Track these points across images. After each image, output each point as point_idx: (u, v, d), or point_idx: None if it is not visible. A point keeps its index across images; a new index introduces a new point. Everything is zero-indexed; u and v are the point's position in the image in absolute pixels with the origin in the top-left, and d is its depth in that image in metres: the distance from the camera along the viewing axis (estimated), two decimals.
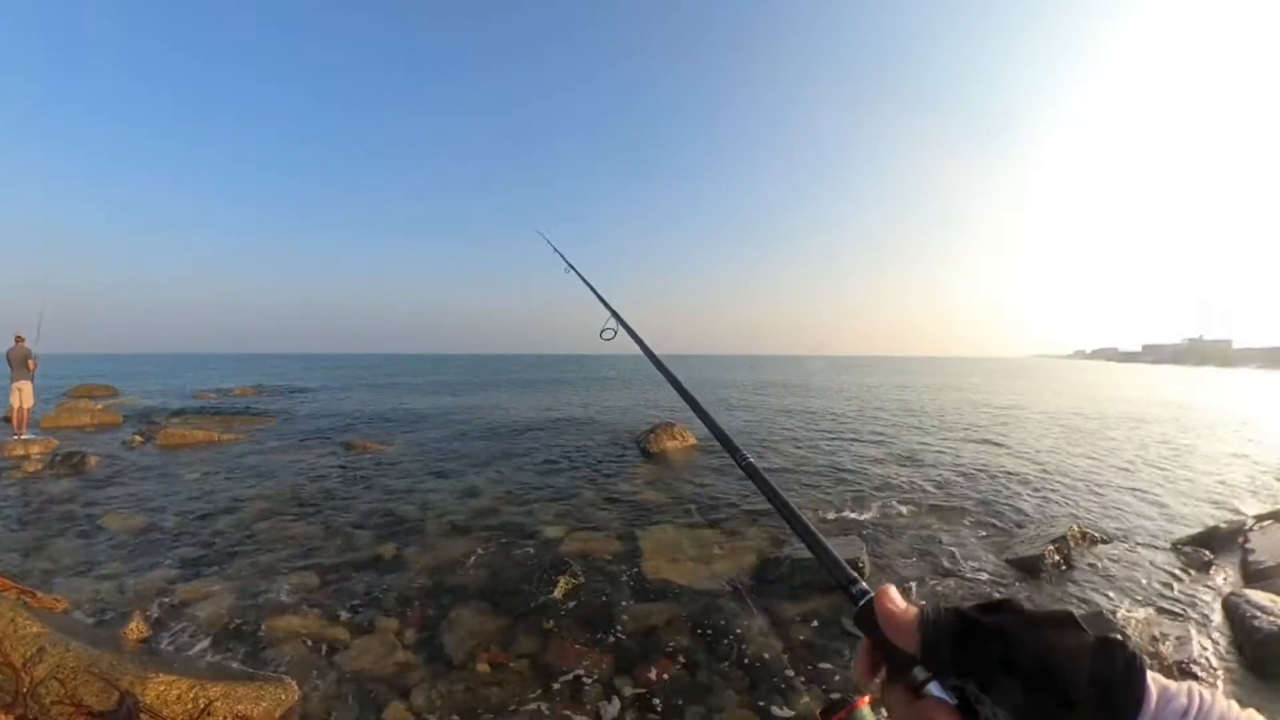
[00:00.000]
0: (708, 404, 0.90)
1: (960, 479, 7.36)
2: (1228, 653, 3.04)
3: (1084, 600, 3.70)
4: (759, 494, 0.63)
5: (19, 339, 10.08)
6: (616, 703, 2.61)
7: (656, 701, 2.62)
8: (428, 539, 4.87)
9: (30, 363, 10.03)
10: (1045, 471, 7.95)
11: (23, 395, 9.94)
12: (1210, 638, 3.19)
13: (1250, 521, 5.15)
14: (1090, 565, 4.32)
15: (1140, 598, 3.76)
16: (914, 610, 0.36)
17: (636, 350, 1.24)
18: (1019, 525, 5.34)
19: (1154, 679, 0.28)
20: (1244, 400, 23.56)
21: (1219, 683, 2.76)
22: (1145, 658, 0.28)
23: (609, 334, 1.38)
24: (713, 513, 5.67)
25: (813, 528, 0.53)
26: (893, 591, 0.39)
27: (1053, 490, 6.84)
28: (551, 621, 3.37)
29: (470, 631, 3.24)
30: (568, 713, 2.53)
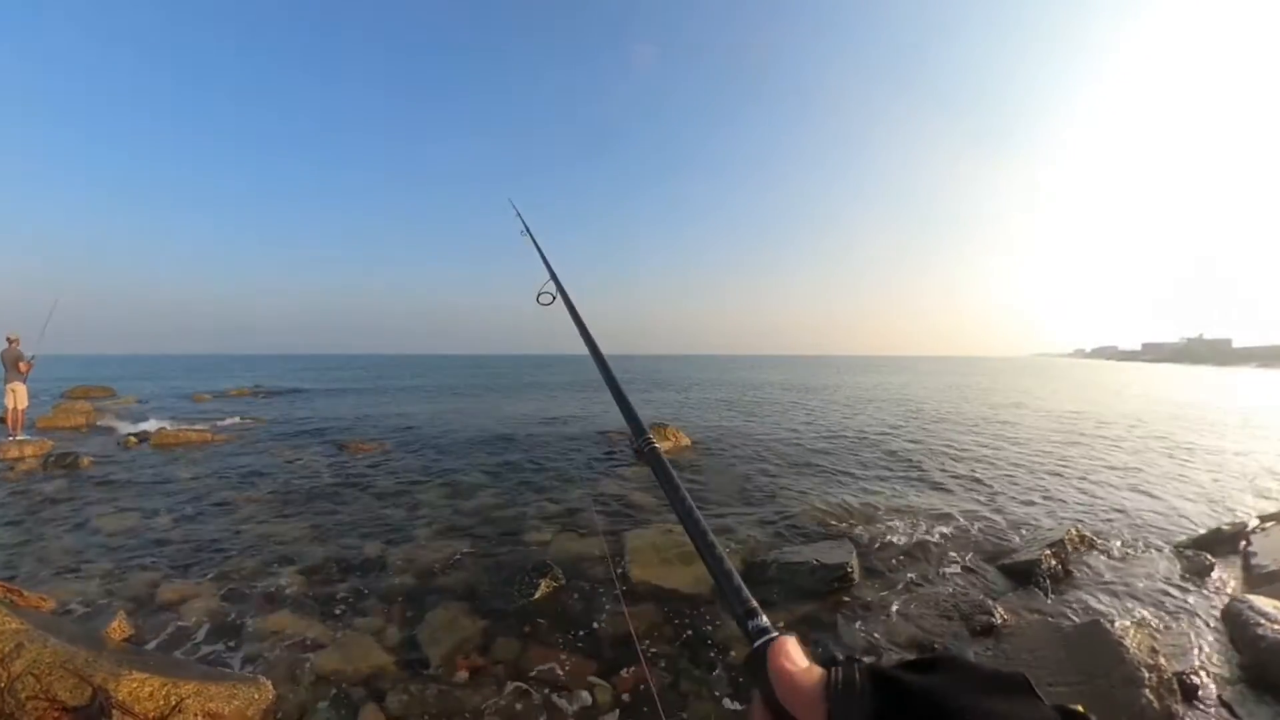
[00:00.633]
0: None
1: (958, 479, 7.27)
2: (1229, 662, 2.94)
3: (1081, 607, 3.60)
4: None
5: (11, 340, 10.03)
6: (593, 710, 2.56)
7: (634, 709, 2.55)
8: (413, 540, 4.83)
9: (22, 364, 9.98)
10: (1044, 472, 7.86)
11: (16, 396, 9.91)
12: (1210, 646, 3.10)
13: (1252, 523, 5.05)
14: (1088, 570, 4.22)
15: (1138, 604, 3.67)
16: (818, 673, 0.27)
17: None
18: (1016, 529, 5.24)
19: None
20: (1244, 398, 23.45)
21: (1219, 694, 2.67)
22: None
23: (546, 298, 1.40)
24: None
25: (710, 536, 0.46)
26: (791, 645, 0.30)
27: (1051, 491, 6.74)
28: (531, 625, 3.32)
29: (450, 634, 3.21)
30: (542, 719, 2.48)
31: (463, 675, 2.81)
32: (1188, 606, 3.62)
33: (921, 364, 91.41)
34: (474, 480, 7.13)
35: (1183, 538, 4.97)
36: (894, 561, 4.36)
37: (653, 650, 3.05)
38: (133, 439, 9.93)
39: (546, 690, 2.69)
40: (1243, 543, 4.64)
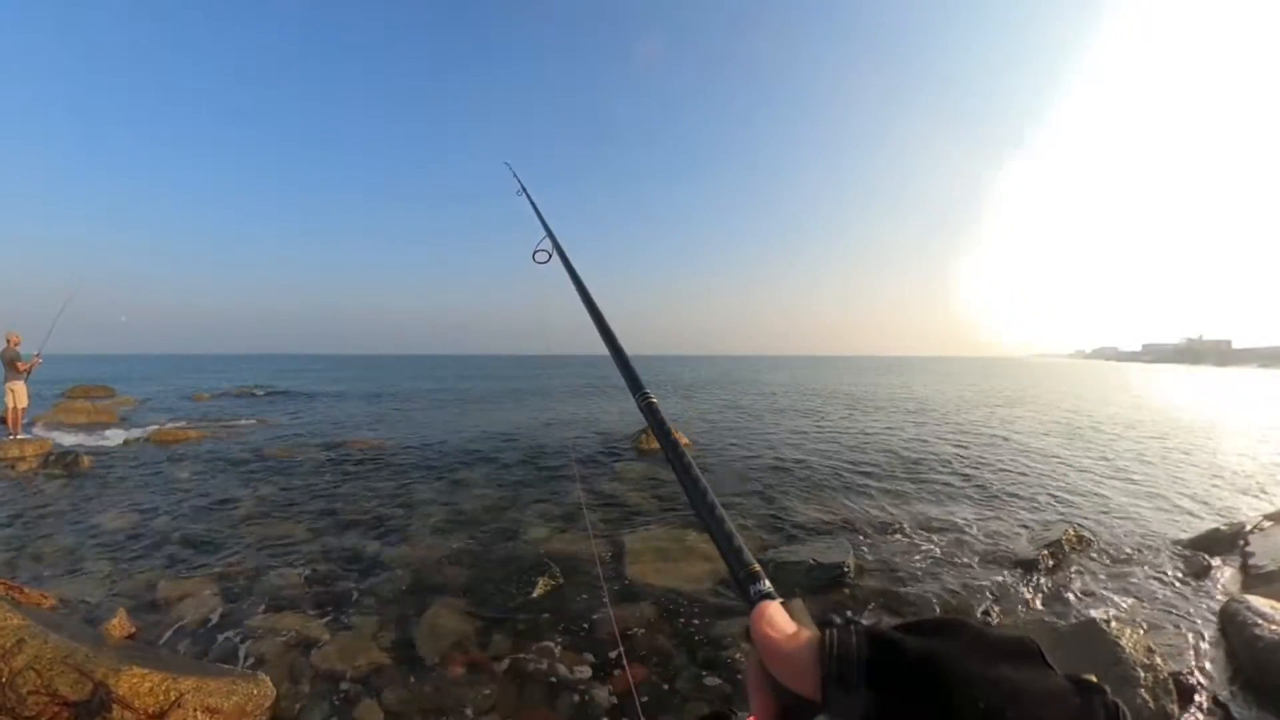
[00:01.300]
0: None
1: (956, 479, 7.27)
2: (1226, 663, 2.94)
3: (1077, 607, 3.61)
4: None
5: (10, 339, 10.02)
6: (589, 708, 2.56)
7: (630, 708, 2.55)
8: (412, 538, 4.85)
9: (20, 364, 9.95)
10: (1042, 472, 7.86)
11: (16, 396, 9.89)
12: (1207, 646, 3.10)
13: (1250, 523, 5.05)
14: (1084, 570, 4.22)
15: (1135, 604, 3.67)
16: (806, 637, 0.24)
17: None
18: (1013, 528, 5.24)
19: None
20: (1244, 399, 23.45)
21: (1215, 695, 2.67)
22: (1128, 711, 0.19)
23: (543, 255, 1.37)
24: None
25: (711, 495, 0.42)
26: (774, 609, 0.27)
27: (1049, 491, 6.74)
28: (528, 623, 3.33)
29: (447, 631, 3.23)
30: (538, 716, 2.48)
31: (460, 672, 2.82)
32: (1185, 606, 3.63)
33: (921, 364, 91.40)
34: (473, 479, 7.14)
35: (1181, 538, 4.97)
36: (891, 561, 4.36)
37: (648, 648, 3.05)
38: (133, 438, 9.94)
39: (543, 688, 2.70)
40: (1241, 543, 4.64)
